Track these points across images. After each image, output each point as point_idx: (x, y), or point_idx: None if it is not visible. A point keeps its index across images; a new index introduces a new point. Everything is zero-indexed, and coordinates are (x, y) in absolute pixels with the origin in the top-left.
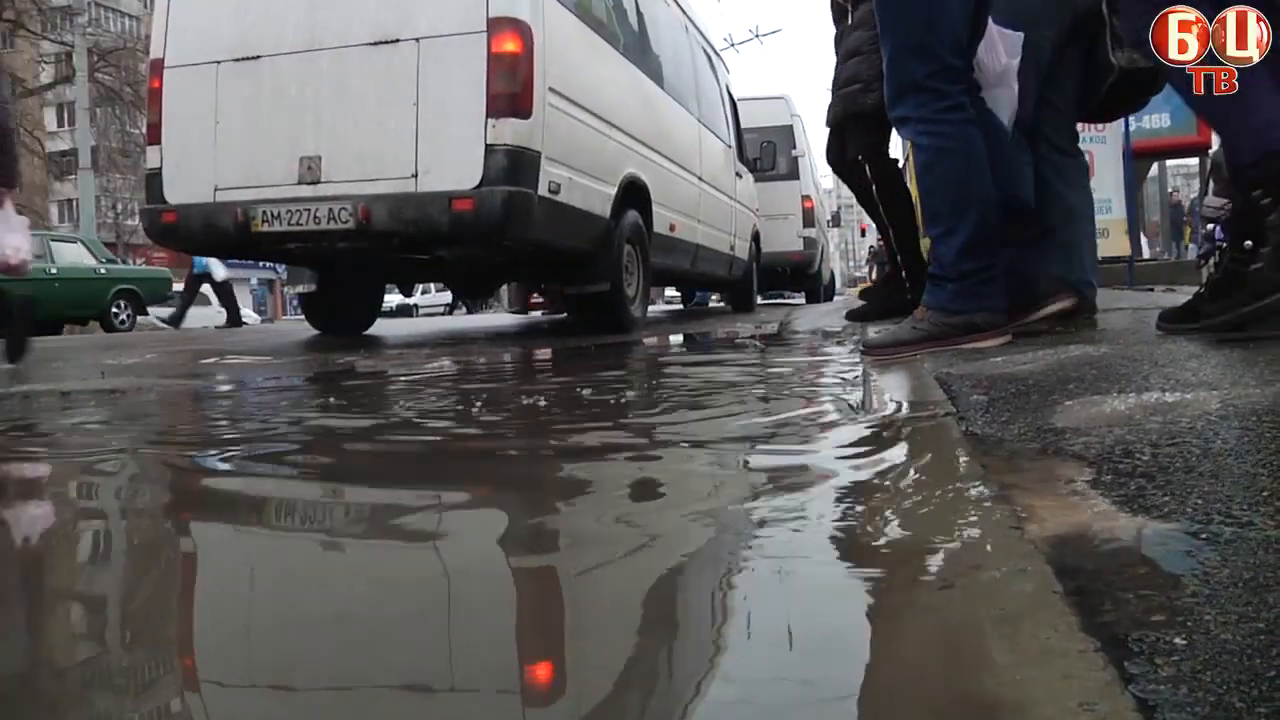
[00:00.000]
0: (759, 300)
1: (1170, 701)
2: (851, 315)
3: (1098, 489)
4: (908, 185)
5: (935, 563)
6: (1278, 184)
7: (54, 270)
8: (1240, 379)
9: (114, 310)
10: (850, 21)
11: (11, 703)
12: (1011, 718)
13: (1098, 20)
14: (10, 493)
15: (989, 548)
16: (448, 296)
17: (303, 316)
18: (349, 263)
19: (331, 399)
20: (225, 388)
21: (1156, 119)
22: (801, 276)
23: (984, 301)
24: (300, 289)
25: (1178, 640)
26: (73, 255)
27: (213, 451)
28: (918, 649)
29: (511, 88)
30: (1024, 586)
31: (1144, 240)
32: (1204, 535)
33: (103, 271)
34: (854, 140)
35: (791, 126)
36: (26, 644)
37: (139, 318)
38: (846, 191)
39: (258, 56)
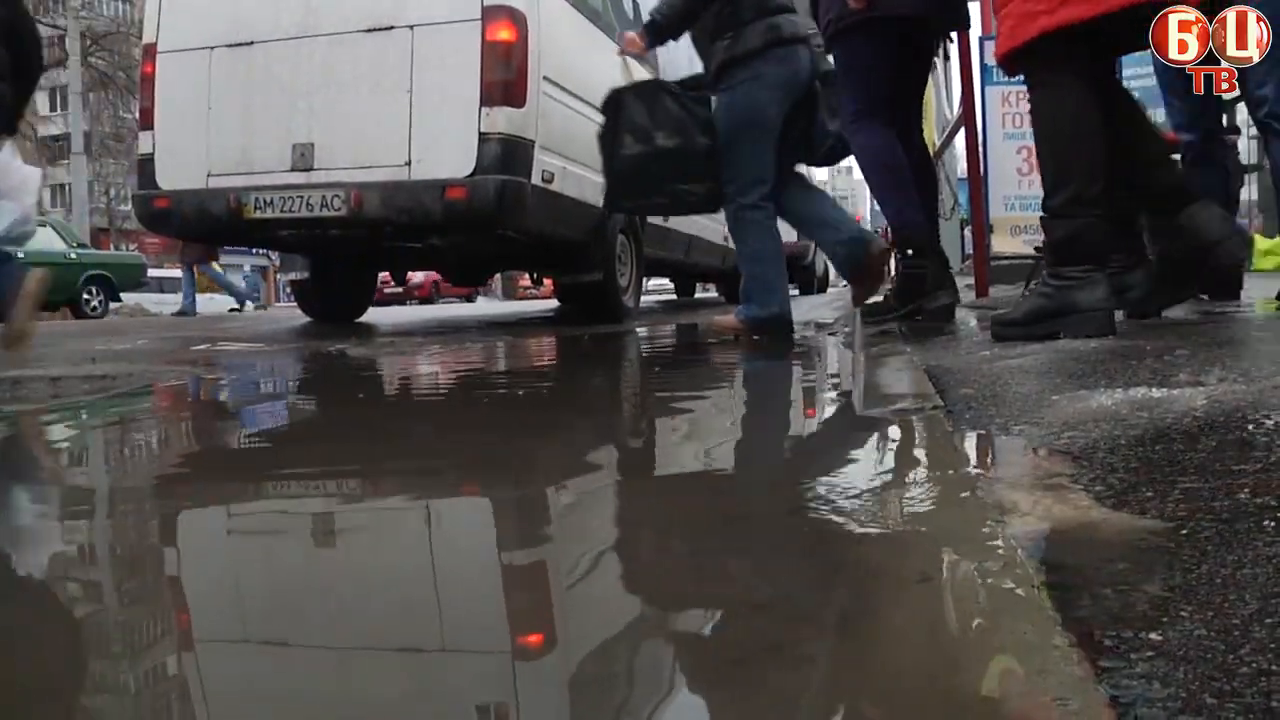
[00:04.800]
0: None
1: (1144, 697)
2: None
3: (1081, 484)
4: None
5: (915, 555)
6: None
7: (21, 255)
8: (1228, 375)
9: (85, 296)
10: None
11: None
12: (985, 712)
13: (812, 99)
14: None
15: (970, 542)
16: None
17: (295, 303)
18: (341, 250)
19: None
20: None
21: (1150, 114)
22: (795, 269)
23: None
24: (293, 276)
25: (1153, 636)
26: (42, 239)
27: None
28: (894, 641)
29: (506, 76)
30: (1003, 581)
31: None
32: (1184, 531)
33: (73, 256)
34: None
35: None
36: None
37: (111, 303)
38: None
39: (251, 42)
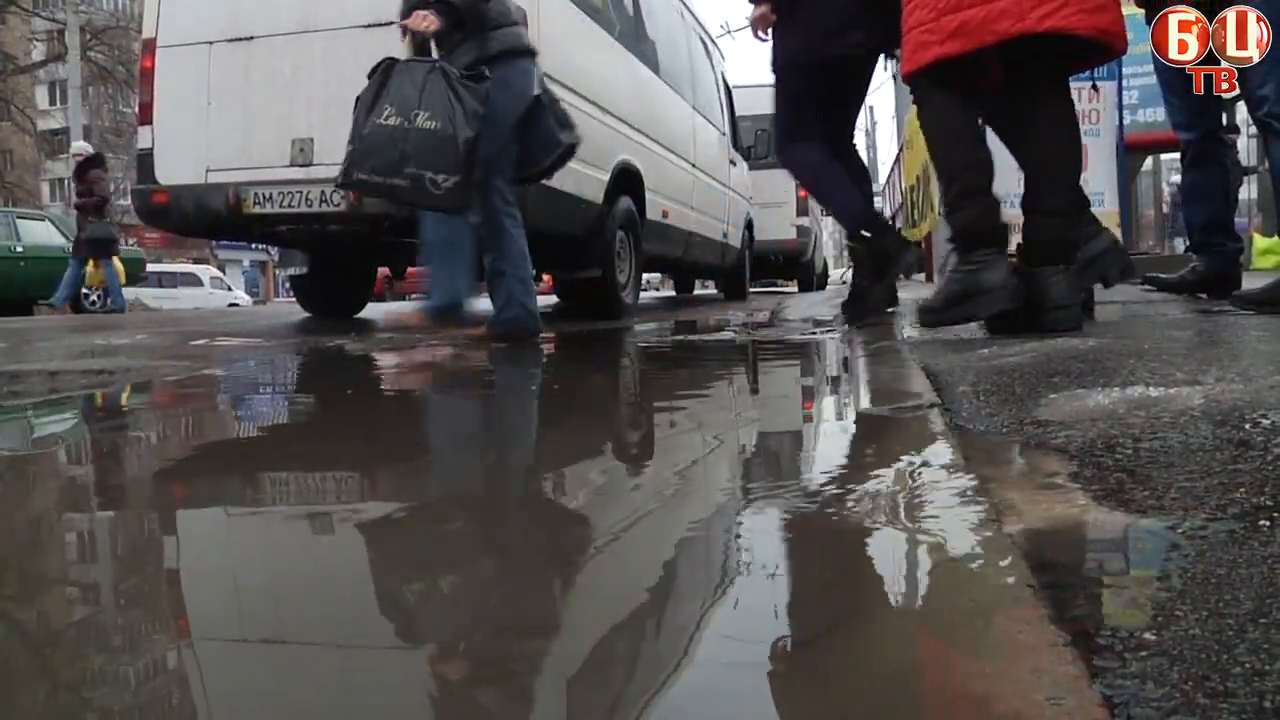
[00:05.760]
0: (751, 288)
1: (1137, 697)
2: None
3: (1078, 483)
4: None
5: (910, 554)
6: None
7: (20, 249)
8: (1225, 375)
9: (85, 291)
10: None
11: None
12: (978, 711)
13: (542, 108)
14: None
15: (965, 540)
16: None
17: (294, 299)
18: (341, 246)
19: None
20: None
21: (1150, 113)
22: (794, 265)
23: None
24: (292, 271)
25: (1148, 635)
26: (40, 234)
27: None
28: (888, 640)
29: None
30: (998, 579)
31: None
32: (1180, 530)
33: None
34: None
35: None
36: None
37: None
38: None
39: (251, 37)
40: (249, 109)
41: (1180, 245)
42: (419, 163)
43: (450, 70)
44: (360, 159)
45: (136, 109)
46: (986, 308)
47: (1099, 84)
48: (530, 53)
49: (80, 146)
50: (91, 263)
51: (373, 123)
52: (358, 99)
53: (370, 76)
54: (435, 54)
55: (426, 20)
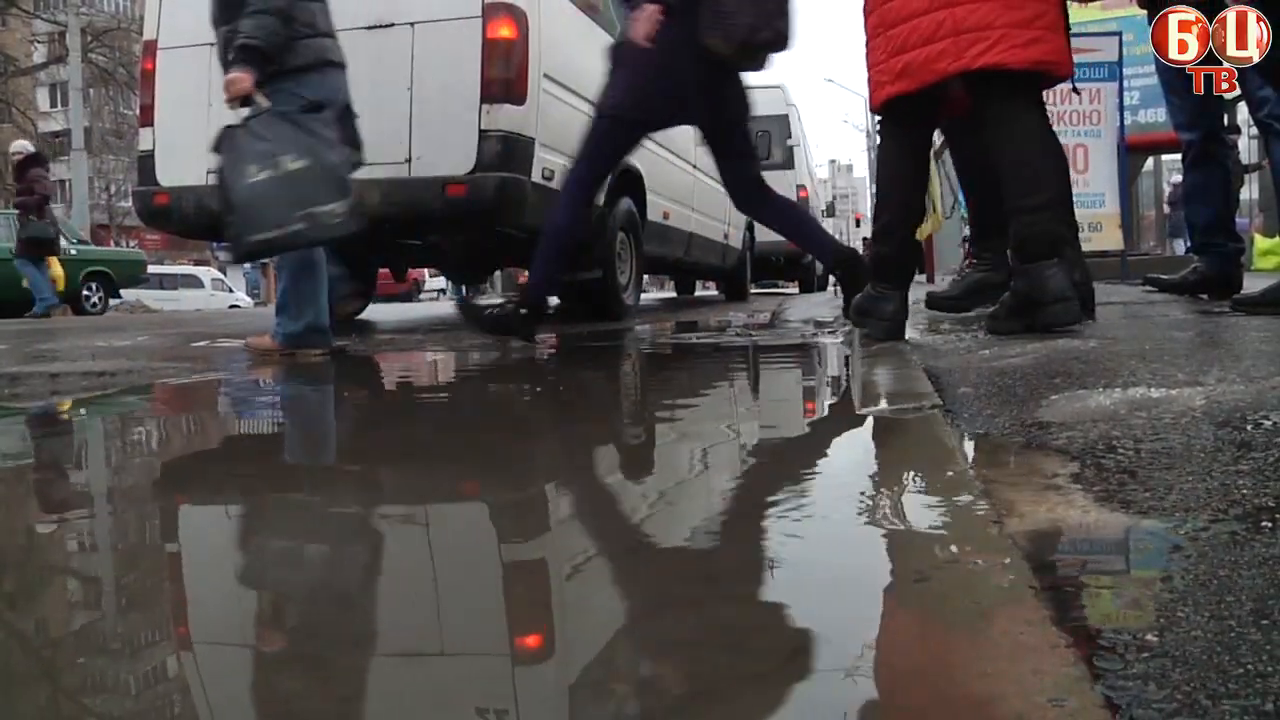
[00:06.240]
0: (752, 289)
1: (1139, 698)
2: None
3: (1079, 484)
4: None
5: (913, 555)
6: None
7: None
8: (1226, 375)
9: (85, 293)
10: None
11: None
12: (979, 712)
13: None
14: None
15: (967, 541)
16: (441, 281)
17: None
18: (341, 247)
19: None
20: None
21: (1151, 113)
22: (795, 266)
23: None
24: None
25: (1149, 637)
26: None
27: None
28: (890, 640)
29: (506, 73)
30: (1000, 581)
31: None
32: (1182, 532)
33: (72, 253)
34: None
35: (787, 116)
36: None
37: (111, 300)
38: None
39: None
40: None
41: (1181, 246)
42: (306, 202)
43: (291, 114)
44: (246, 227)
45: (137, 111)
46: (874, 330)
47: (1095, 86)
48: (340, 65)
49: (20, 145)
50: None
51: (242, 186)
52: (216, 174)
53: (216, 150)
54: (260, 98)
55: (239, 82)
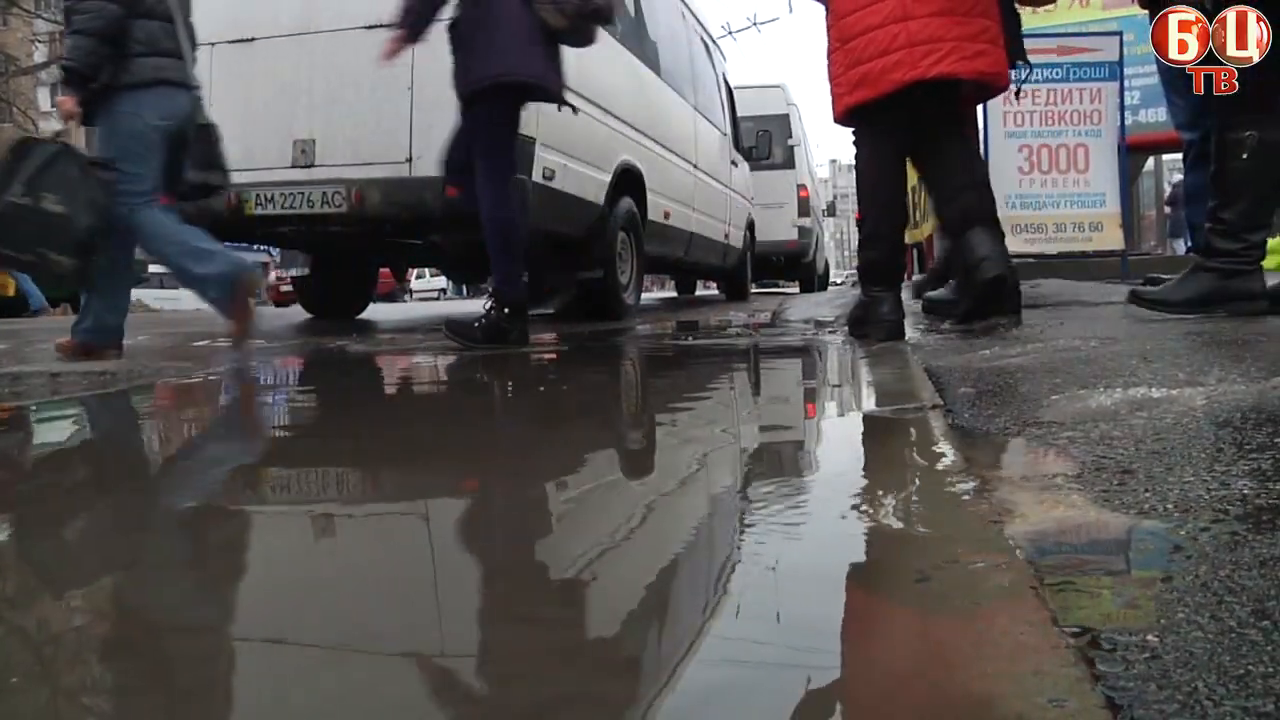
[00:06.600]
0: (753, 289)
1: (1140, 699)
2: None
3: (1080, 484)
4: None
5: (913, 555)
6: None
7: None
8: (1227, 376)
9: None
10: None
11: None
12: (979, 712)
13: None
14: None
15: (967, 541)
16: (441, 281)
17: (296, 299)
18: (342, 247)
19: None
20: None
21: (1151, 113)
22: (796, 266)
23: None
24: (293, 272)
25: (1150, 638)
26: None
27: None
28: (891, 640)
29: None
30: (1000, 581)
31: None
32: (1182, 532)
33: None
34: None
35: (788, 115)
36: None
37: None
38: (842, 181)
39: (252, 39)
40: (250, 110)
41: (1181, 246)
42: (42, 243)
43: (82, 157)
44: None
45: None
46: (874, 333)
47: (1095, 86)
48: (181, 85)
49: None
50: None
51: (4, 200)
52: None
53: (10, 154)
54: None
55: (62, 105)
